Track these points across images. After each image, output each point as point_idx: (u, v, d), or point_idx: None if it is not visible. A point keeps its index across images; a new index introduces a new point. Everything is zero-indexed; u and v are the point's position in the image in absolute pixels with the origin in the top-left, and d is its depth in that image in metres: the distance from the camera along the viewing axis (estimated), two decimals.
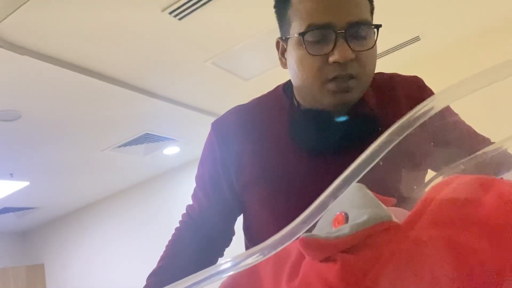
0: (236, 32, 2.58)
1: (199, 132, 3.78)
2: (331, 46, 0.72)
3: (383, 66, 0.94)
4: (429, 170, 0.78)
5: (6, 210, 4.98)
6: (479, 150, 0.50)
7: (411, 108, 0.36)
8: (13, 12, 2.03)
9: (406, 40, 3.10)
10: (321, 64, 0.74)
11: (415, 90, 0.87)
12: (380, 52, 3.12)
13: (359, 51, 0.73)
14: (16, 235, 6.18)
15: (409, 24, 2.90)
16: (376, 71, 0.86)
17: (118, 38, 2.42)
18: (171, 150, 4.37)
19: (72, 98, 2.94)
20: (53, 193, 4.85)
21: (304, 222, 0.37)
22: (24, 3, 1.98)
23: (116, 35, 2.40)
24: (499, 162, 0.49)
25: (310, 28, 0.73)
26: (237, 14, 2.41)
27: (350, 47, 0.72)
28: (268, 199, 0.83)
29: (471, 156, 0.50)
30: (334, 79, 0.74)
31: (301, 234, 0.37)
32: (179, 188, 4.76)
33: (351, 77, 0.74)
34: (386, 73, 0.91)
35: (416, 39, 3.10)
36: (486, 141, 0.82)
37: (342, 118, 0.79)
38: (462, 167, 0.50)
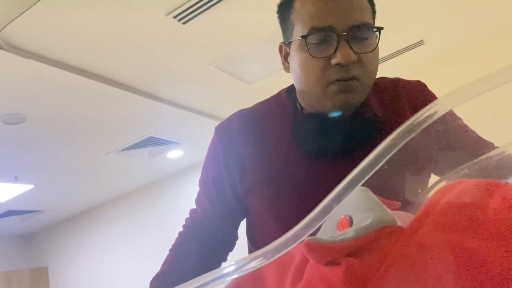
0: (239, 36, 2.59)
1: (203, 135, 3.79)
2: (333, 49, 0.73)
3: (386, 70, 0.94)
4: (432, 175, 0.78)
5: (10, 213, 4.99)
6: (483, 154, 0.50)
7: (414, 112, 0.36)
8: (18, 16, 2.04)
9: (410, 44, 3.09)
10: (323, 67, 0.74)
11: (418, 95, 0.87)
12: (384, 56, 3.12)
13: (361, 53, 0.73)
14: (20, 238, 6.20)
15: (413, 28, 2.90)
16: (380, 75, 0.86)
17: (123, 41, 2.44)
18: (175, 153, 4.38)
19: (77, 101, 2.95)
20: (57, 196, 4.87)
21: (308, 225, 0.37)
22: (29, 8, 2.00)
23: (121, 39, 2.41)
24: (504, 166, 0.49)
25: (312, 31, 0.74)
26: (240, 18, 2.42)
27: (352, 49, 0.72)
28: (272, 203, 0.83)
29: (475, 160, 0.50)
30: (337, 81, 0.74)
31: (305, 237, 0.37)
32: (183, 192, 4.76)
33: (354, 78, 0.74)
34: (389, 78, 0.91)
35: (420, 43, 3.10)
36: (490, 146, 0.82)
37: (345, 122, 0.79)
38: (466, 171, 0.50)
